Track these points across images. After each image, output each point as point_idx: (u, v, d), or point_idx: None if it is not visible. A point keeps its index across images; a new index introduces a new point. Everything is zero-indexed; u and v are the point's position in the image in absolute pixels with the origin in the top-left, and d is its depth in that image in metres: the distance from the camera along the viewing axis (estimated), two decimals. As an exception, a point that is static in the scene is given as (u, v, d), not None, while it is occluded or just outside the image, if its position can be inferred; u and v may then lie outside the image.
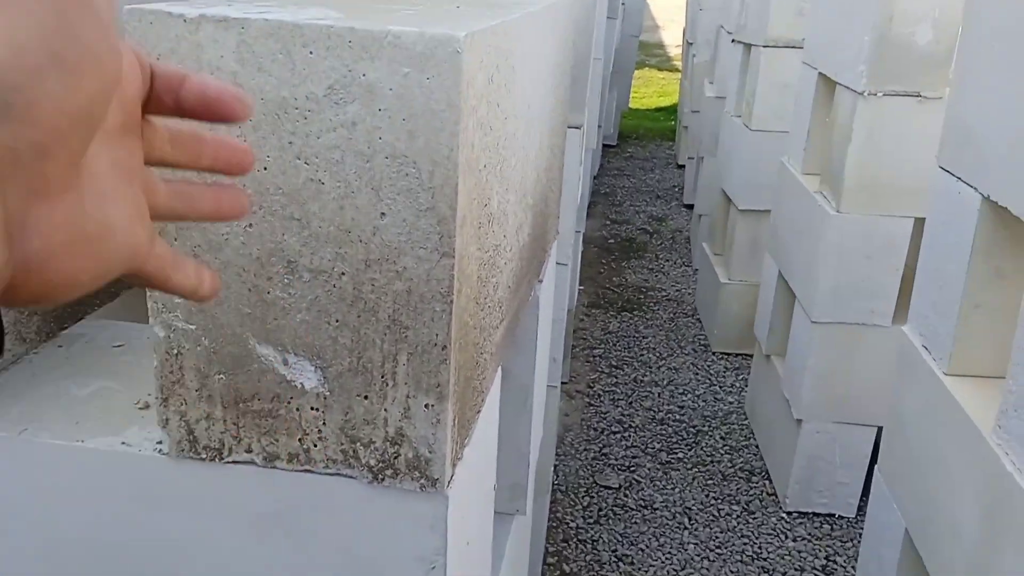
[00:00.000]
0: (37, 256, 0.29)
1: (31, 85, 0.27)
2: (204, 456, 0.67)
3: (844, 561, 2.06)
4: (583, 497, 2.28)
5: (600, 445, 2.50)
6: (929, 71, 1.95)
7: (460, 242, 0.59)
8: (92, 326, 0.89)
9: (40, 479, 0.70)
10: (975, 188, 1.27)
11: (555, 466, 2.32)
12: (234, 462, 0.66)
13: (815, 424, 2.17)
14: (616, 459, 2.44)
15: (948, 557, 1.27)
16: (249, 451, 0.66)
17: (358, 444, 0.64)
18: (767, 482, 2.36)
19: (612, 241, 4.20)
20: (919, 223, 1.87)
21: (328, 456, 0.65)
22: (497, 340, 0.79)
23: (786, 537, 2.15)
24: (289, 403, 0.64)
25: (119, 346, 0.85)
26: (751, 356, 2.75)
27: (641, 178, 5.31)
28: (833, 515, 2.23)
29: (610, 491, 2.30)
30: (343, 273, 0.60)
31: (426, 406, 0.63)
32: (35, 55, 0.27)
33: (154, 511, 0.70)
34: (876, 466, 1.59)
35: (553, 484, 2.28)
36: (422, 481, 0.65)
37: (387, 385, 0.62)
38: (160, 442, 0.69)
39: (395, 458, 0.64)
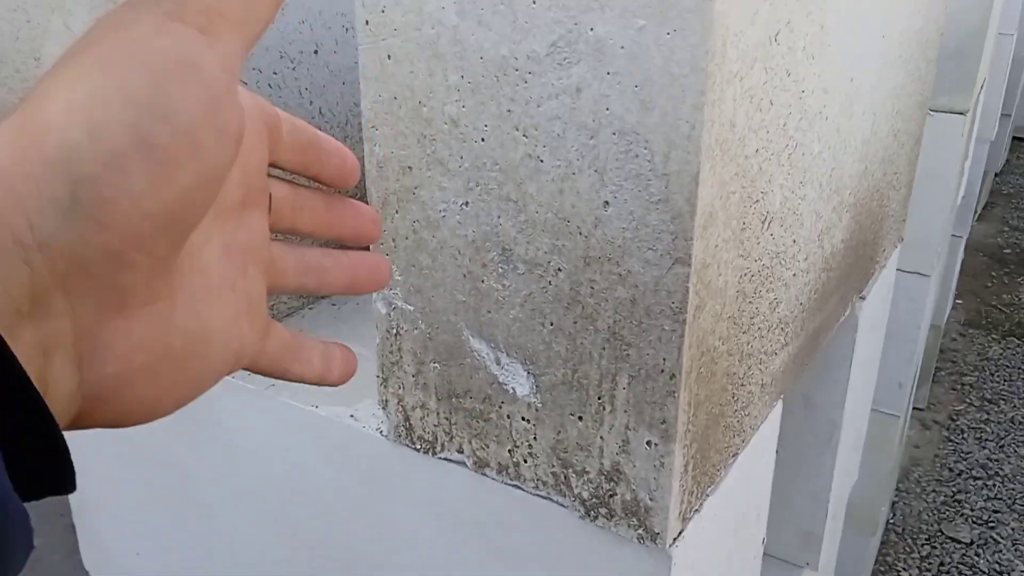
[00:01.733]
0: (111, 382, 0.24)
1: (106, 178, 0.21)
2: (419, 447, 0.62)
3: None
4: (923, 546, 1.95)
5: (954, 489, 2.13)
6: None
7: (703, 246, 0.46)
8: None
9: (280, 438, 0.71)
10: None
11: (893, 503, 2.02)
12: (446, 459, 0.61)
13: None
14: (972, 509, 2.06)
15: None
16: (460, 451, 0.60)
17: (570, 470, 0.55)
18: None
19: (1008, 251, 3.56)
20: None
21: (538, 476, 0.56)
22: (775, 369, 0.64)
23: None
24: (500, 408, 0.56)
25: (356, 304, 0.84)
26: None
27: (1060, 178, 4.45)
28: None
29: (959, 545, 1.95)
30: (560, 269, 0.50)
31: (648, 443, 0.51)
32: (116, 138, 0.21)
33: (373, 492, 0.67)
34: None
35: (888, 524, 1.98)
36: (640, 531, 0.53)
37: (603, 409, 0.52)
38: (377, 421, 0.65)
39: (610, 496, 0.54)
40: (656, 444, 0.51)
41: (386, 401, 0.62)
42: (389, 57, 0.51)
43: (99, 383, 0.23)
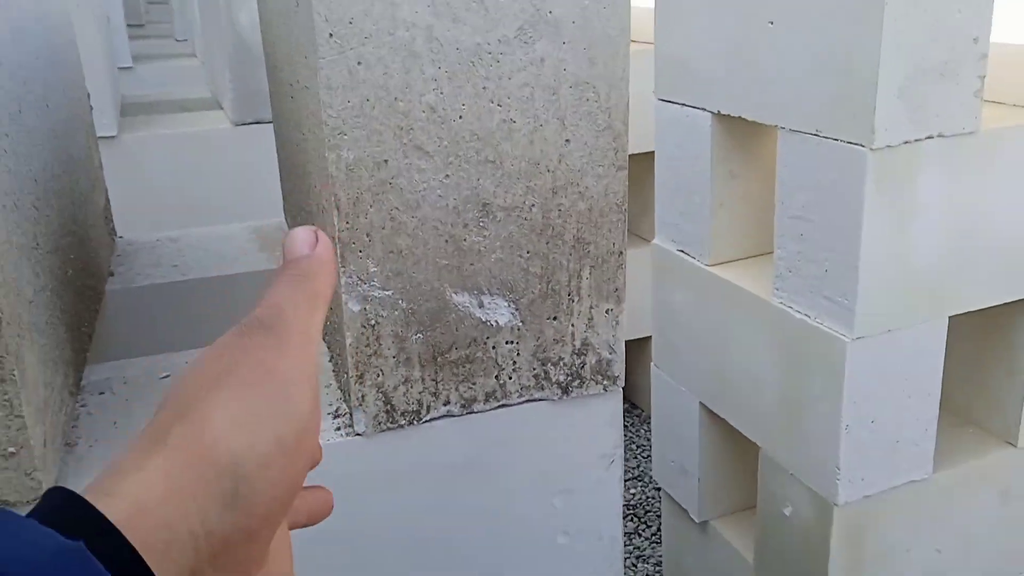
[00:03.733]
0: None
1: (259, 473, 0.27)
2: (403, 422, 0.67)
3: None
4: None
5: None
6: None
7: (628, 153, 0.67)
8: (109, 368, 0.79)
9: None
10: (703, 108, 1.55)
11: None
12: (432, 419, 0.68)
13: None
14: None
15: (755, 408, 1.56)
16: (447, 403, 0.68)
17: (548, 364, 0.70)
18: None
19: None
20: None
21: (522, 385, 0.69)
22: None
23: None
24: (486, 343, 0.67)
25: (166, 376, 0.78)
26: None
27: None
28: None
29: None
30: (533, 205, 0.65)
31: (606, 311, 0.70)
32: (266, 443, 0.27)
33: (343, 503, 0.68)
34: (652, 363, 1.83)
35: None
36: (605, 383, 0.72)
37: (573, 301, 0.68)
38: (341, 425, 0.67)
39: (581, 368, 0.71)
40: (611, 309, 0.70)
41: (362, 396, 0.65)
42: (359, 63, 0.57)
43: None
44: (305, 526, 0.39)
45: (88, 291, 0.87)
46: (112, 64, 2.11)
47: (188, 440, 0.27)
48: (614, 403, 0.73)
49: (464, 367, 0.67)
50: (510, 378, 0.69)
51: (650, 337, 1.81)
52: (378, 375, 0.65)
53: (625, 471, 2.24)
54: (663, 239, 1.74)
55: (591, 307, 0.69)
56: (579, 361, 0.70)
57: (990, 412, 1.65)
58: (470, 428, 0.69)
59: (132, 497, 0.25)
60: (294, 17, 0.64)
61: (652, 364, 1.79)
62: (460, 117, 0.60)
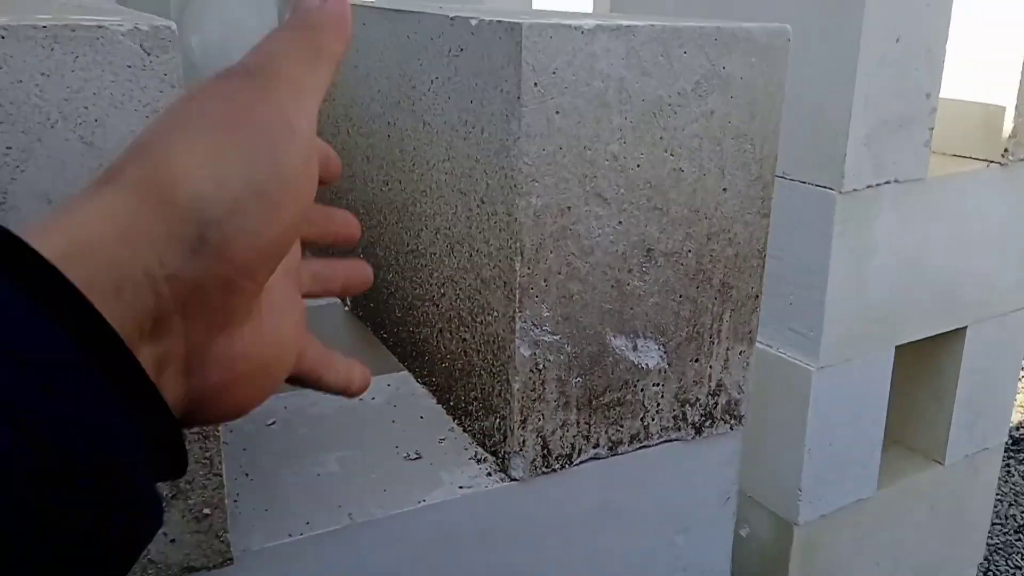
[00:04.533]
0: (213, 388, 0.28)
1: (229, 220, 0.25)
2: (556, 466, 0.67)
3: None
4: None
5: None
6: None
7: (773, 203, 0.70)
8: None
9: (375, 560, 0.63)
10: None
11: None
12: (581, 462, 0.68)
13: None
14: None
15: None
16: (596, 446, 0.68)
17: (687, 406, 0.71)
18: None
19: None
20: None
21: (662, 426, 0.71)
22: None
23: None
24: (635, 386, 0.68)
25: (272, 423, 0.75)
26: None
27: None
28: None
29: None
30: (689, 251, 0.67)
31: (740, 352, 0.72)
32: (238, 188, 0.25)
33: (493, 547, 0.67)
34: None
35: None
36: (732, 422, 0.74)
37: (713, 343, 0.70)
38: (492, 471, 0.67)
39: (714, 408, 0.73)
40: (744, 351, 0.72)
41: (523, 441, 0.65)
42: (557, 113, 0.58)
43: (204, 390, 0.28)
44: (341, 295, 0.38)
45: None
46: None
47: (143, 180, 0.25)
48: (736, 442, 0.75)
49: (615, 410, 0.68)
50: (653, 420, 0.70)
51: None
52: (539, 419, 0.65)
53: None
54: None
55: (727, 349, 0.71)
56: (712, 401, 0.72)
57: (921, 434, 1.77)
58: (612, 470, 0.70)
59: (72, 235, 0.23)
60: (476, 58, 0.64)
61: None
62: (638, 166, 0.62)
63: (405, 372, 0.83)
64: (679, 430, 0.71)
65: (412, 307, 0.80)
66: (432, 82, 0.68)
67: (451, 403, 0.75)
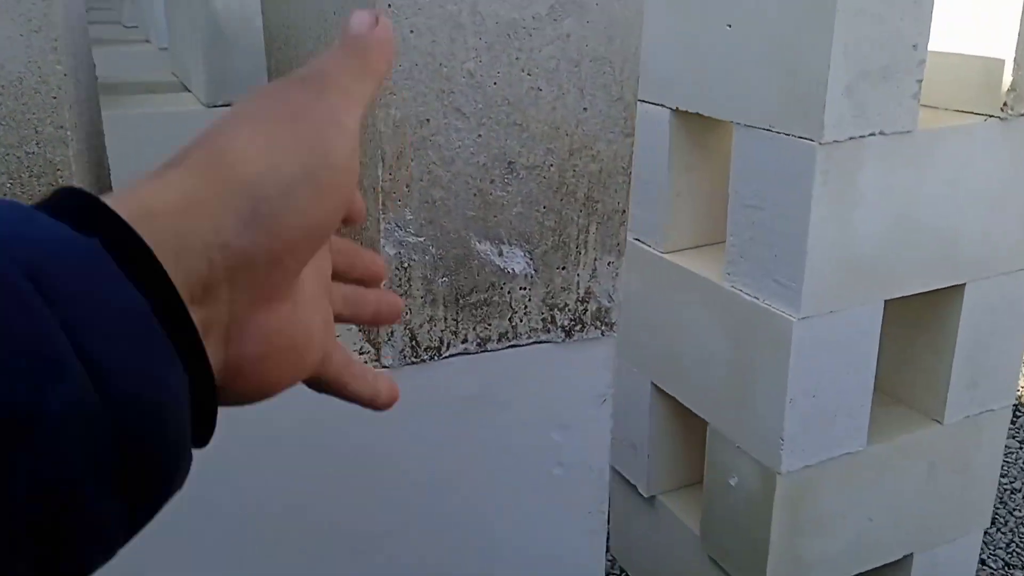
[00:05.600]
0: (248, 361, 0.30)
1: (281, 198, 0.28)
2: (425, 357, 0.74)
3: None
4: None
5: None
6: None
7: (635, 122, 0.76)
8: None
9: (253, 432, 0.71)
10: (663, 104, 1.66)
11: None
12: (450, 355, 0.75)
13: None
14: None
15: (705, 385, 1.67)
16: (465, 341, 0.76)
17: (555, 310, 0.78)
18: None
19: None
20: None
21: (531, 327, 0.78)
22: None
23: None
24: (502, 288, 0.75)
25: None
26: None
27: None
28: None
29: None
30: (551, 165, 0.73)
31: (608, 263, 0.78)
32: (291, 172, 0.28)
33: (367, 428, 0.75)
34: None
35: None
36: (603, 328, 0.81)
37: (580, 253, 0.77)
38: (368, 359, 0.74)
39: (584, 314, 0.79)
40: (613, 262, 0.79)
41: (391, 332, 0.73)
42: (412, 32, 0.65)
43: (240, 361, 0.29)
44: (371, 323, 0.40)
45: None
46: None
47: (207, 160, 0.28)
48: (610, 347, 0.82)
49: (482, 309, 0.75)
50: (521, 321, 0.77)
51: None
52: (406, 313, 0.72)
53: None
54: (622, 228, 1.84)
55: (595, 259, 0.77)
56: (582, 308, 0.79)
57: (919, 392, 1.77)
58: (483, 365, 0.77)
59: (143, 202, 0.26)
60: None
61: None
62: (495, 83, 0.68)
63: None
64: (548, 332, 0.78)
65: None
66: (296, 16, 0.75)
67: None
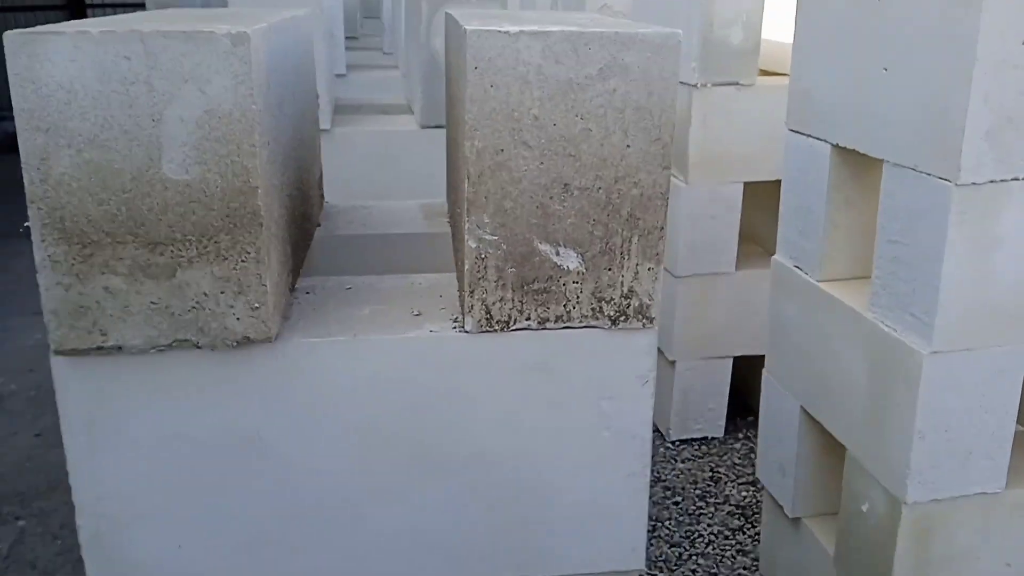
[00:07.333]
0: None
1: None
2: (497, 328, 0.99)
3: (724, 471, 2.44)
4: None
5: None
6: (742, 64, 2.47)
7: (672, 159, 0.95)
8: (310, 281, 1.17)
9: (368, 371, 0.99)
10: (824, 140, 1.75)
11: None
12: (516, 329, 0.99)
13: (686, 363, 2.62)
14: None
15: (845, 412, 1.74)
16: (528, 319, 0.99)
17: (603, 302, 0.99)
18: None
19: None
20: (747, 186, 2.40)
21: (582, 314, 0.99)
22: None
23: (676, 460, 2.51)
24: (559, 281, 0.97)
25: (349, 288, 1.13)
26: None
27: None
28: (706, 437, 2.59)
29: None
30: (600, 188, 0.94)
31: (648, 268, 0.98)
32: None
33: (452, 376, 1.00)
34: (764, 370, 2.02)
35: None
36: (643, 321, 1.00)
37: (624, 258, 0.97)
38: (456, 326, 1.00)
39: (627, 307, 0.99)
40: (652, 268, 0.98)
41: (471, 306, 0.98)
42: (492, 86, 0.89)
43: None
44: None
45: (305, 232, 1.25)
46: (331, 71, 2.61)
47: None
48: (650, 337, 1.01)
49: (542, 295, 0.98)
50: (574, 308, 0.99)
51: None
52: (484, 292, 0.97)
53: (740, 476, 2.44)
54: (782, 255, 1.95)
55: (637, 264, 0.98)
56: (626, 302, 0.99)
57: None
58: (543, 339, 0.99)
59: None
60: (460, 53, 0.97)
61: (764, 370, 2.00)
62: (554, 124, 0.91)
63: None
64: (597, 319, 1.00)
65: (454, 216, 1.15)
66: (451, 67, 1.02)
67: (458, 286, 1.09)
